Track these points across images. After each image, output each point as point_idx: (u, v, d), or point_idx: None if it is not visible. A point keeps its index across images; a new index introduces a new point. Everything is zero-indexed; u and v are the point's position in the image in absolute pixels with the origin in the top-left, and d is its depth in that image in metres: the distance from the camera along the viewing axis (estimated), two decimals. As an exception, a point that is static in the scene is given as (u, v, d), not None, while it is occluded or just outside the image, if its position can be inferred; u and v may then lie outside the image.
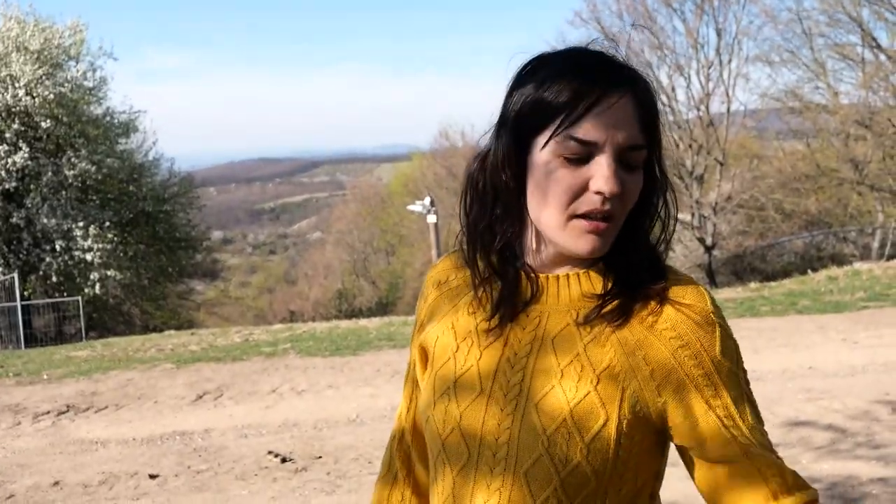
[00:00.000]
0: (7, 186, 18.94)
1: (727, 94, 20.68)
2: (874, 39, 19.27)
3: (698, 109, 20.80)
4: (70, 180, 19.25)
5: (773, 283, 12.34)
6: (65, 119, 19.51)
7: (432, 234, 19.98)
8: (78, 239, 18.93)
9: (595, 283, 1.07)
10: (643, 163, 1.04)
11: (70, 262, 19.10)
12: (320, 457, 5.48)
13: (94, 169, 19.45)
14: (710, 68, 20.51)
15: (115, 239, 20.19)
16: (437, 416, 1.10)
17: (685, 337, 1.01)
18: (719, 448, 1.01)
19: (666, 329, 1.02)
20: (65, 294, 18.94)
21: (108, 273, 19.26)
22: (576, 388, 1.02)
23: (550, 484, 1.01)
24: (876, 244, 21.68)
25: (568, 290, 1.08)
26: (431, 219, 19.80)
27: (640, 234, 1.07)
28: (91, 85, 20.60)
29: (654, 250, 1.08)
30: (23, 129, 18.96)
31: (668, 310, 1.03)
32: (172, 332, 13.38)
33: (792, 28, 20.05)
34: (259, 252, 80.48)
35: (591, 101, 0.99)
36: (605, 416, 1.01)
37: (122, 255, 20.59)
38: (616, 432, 1.01)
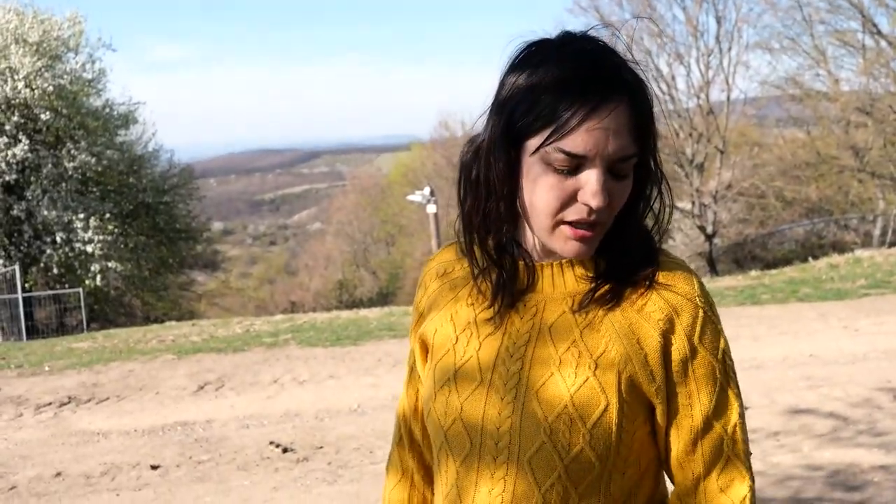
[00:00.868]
0: (7, 179, 18.94)
1: (727, 82, 20.64)
2: (875, 25, 19.20)
3: (698, 98, 20.75)
4: (70, 172, 19.24)
5: (773, 271, 12.33)
6: (64, 111, 19.48)
7: (432, 223, 19.97)
8: (78, 231, 18.94)
9: (588, 268, 1.08)
10: (634, 171, 1.04)
11: (71, 254, 19.11)
12: (322, 447, 5.48)
13: (93, 161, 19.45)
14: (709, 56, 20.46)
15: (116, 230, 20.20)
16: (438, 407, 1.10)
17: (670, 318, 1.04)
18: (681, 439, 1.06)
19: (654, 312, 1.04)
20: (66, 286, 18.96)
21: (109, 264, 19.27)
22: (574, 374, 1.03)
23: (554, 471, 1.02)
24: (877, 231, 21.66)
25: (563, 278, 1.09)
26: (431, 209, 19.80)
27: (632, 222, 1.08)
28: (90, 77, 20.57)
29: (647, 236, 1.09)
30: (22, 121, 18.94)
31: (656, 293, 1.05)
32: (173, 323, 13.39)
33: (792, 15, 20.00)
34: (259, 243, 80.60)
35: (584, 113, 0.97)
36: (605, 402, 1.02)
37: (122, 246, 20.61)
38: (617, 417, 1.02)
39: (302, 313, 15.40)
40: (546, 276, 1.10)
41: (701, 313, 1.04)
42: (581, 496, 1.03)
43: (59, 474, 5.31)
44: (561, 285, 1.09)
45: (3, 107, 18.59)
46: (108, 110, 21.40)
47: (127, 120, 22.05)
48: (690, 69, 20.60)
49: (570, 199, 1.00)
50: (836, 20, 19.69)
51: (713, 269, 19.94)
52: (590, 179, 0.99)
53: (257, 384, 7.30)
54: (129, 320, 20.41)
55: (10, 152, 18.46)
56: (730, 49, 20.45)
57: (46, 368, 8.53)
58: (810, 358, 6.75)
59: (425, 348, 1.20)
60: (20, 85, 18.43)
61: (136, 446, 5.78)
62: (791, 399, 5.68)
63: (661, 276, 1.06)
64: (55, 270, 19.24)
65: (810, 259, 13.31)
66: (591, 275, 1.08)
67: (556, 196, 1.00)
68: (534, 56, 1.02)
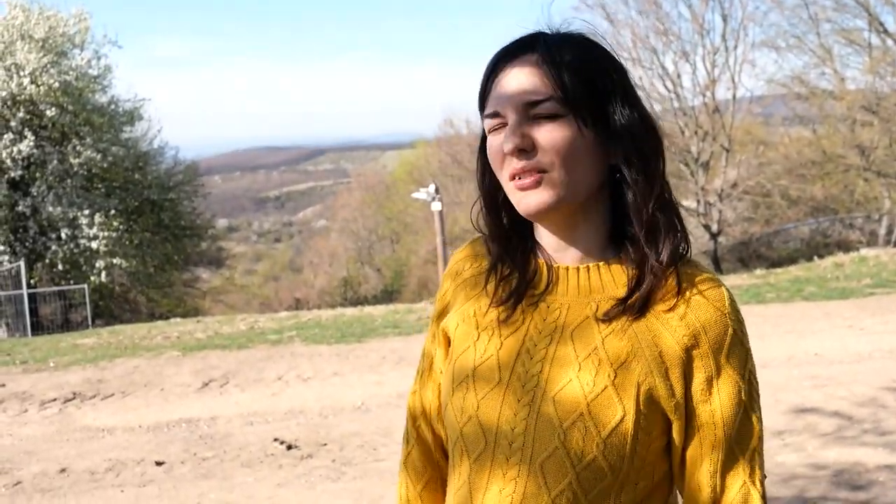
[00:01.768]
0: (13, 175, 18.97)
1: (733, 80, 20.58)
2: (881, 24, 19.13)
3: (704, 96, 20.70)
4: (75, 168, 19.28)
5: (778, 270, 12.31)
6: (70, 107, 19.51)
7: (437, 221, 19.96)
8: (83, 227, 18.96)
9: (616, 275, 1.08)
10: (571, 111, 1.02)
11: (76, 250, 19.14)
12: (326, 444, 5.49)
13: (99, 157, 19.47)
14: (715, 54, 20.39)
15: (121, 227, 20.23)
16: (455, 404, 1.10)
17: (696, 334, 1.02)
18: (698, 459, 1.05)
19: (679, 325, 1.03)
20: (71, 282, 18.99)
21: (114, 261, 19.30)
22: (593, 381, 1.02)
23: (566, 477, 1.01)
24: (882, 230, 21.59)
25: (588, 282, 1.08)
26: (436, 206, 19.79)
27: (637, 215, 1.05)
28: (96, 73, 20.59)
29: (666, 234, 1.06)
30: (28, 117, 18.97)
31: (684, 305, 1.04)
32: (178, 319, 13.41)
33: (798, 13, 19.94)
34: (264, 240, 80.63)
35: (494, 77, 1.06)
36: (622, 412, 1.01)
37: (127, 243, 20.63)
38: (633, 427, 1.01)
39: (307, 310, 15.42)
40: (571, 280, 1.09)
41: (730, 331, 1.04)
42: None
43: (63, 470, 5.32)
44: (586, 289, 1.08)
45: (8, 103, 18.62)
46: (113, 107, 21.42)
47: (132, 116, 22.08)
48: (696, 67, 20.57)
49: (504, 155, 1.04)
50: (843, 18, 19.67)
51: (718, 268, 19.92)
52: (505, 129, 1.04)
53: (262, 381, 7.31)
54: (133, 317, 20.47)
55: (15, 148, 18.49)
56: (736, 47, 20.43)
57: (51, 364, 8.55)
58: (815, 357, 6.74)
59: (447, 341, 1.19)
60: (26, 81, 18.46)
61: (140, 443, 5.80)
62: (796, 398, 5.67)
63: (690, 287, 1.05)
64: (60, 267, 19.27)
65: (815, 258, 13.27)
66: (618, 282, 1.07)
67: (493, 157, 1.06)
68: None
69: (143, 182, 21.81)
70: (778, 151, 22.92)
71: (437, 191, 19.94)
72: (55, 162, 19.10)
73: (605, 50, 1.07)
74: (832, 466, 4.43)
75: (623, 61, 1.10)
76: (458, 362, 1.12)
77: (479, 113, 1.09)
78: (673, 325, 1.03)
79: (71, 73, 19.46)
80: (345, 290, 34.86)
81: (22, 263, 17.31)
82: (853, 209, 23.25)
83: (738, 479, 1.03)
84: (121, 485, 5.00)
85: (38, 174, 19.23)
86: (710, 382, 1.02)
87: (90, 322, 17.05)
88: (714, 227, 20.82)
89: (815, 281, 10.10)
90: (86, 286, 18.05)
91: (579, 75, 1.03)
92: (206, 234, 25.09)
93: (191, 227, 23.53)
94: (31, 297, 16.83)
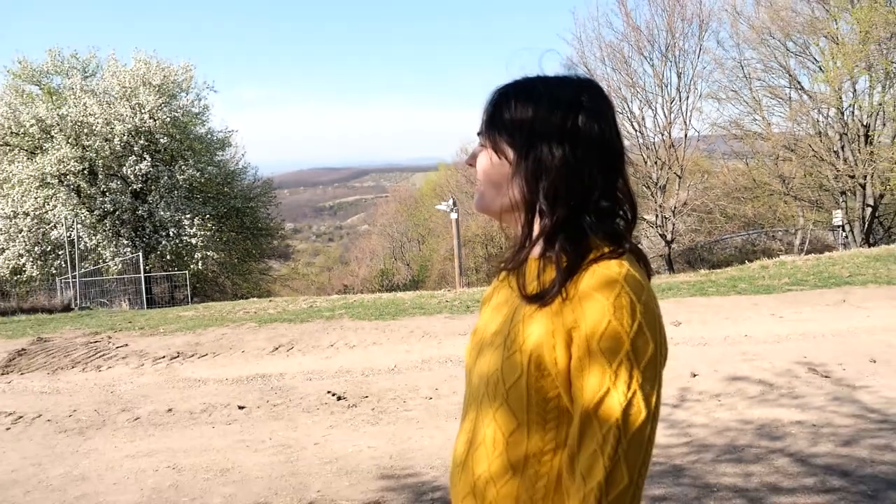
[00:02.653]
0: (135, 187, 19.18)
1: (685, 123, 20.40)
2: (799, 83, 19.05)
3: (662, 135, 20.55)
4: (180, 183, 19.45)
5: (718, 270, 12.20)
6: (177, 137, 19.70)
7: (454, 227, 19.95)
8: (186, 227, 19.13)
9: (542, 270, 0.98)
10: (496, 145, 1.02)
11: (180, 245, 19.32)
12: (367, 396, 5.50)
13: (198, 174, 19.63)
14: (671, 103, 20.24)
15: (213, 228, 20.39)
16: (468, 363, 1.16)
17: (578, 314, 0.92)
18: (572, 420, 0.93)
19: (569, 302, 0.93)
20: (176, 269, 19.18)
21: (208, 253, 19.45)
22: (511, 346, 0.98)
23: (488, 416, 1.00)
24: (797, 241, 21.44)
25: (533, 273, 1.01)
26: (454, 216, 19.77)
27: (541, 227, 0.99)
28: (197, 111, 20.79)
29: (567, 243, 0.96)
30: (147, 144, 19.17)
31: (584, 277, 0.93)
32: (255, 299, 13.48)
33: (735, 73, 19.79)
34: (320, 239, 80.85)
35: None
36: (520, 371, 0.95)
37: (218, 240, 20.80)
38: (527, 385, 0.95)
39: (352, 294, 15.45)
40: (531, 268, 1.01)
41: (614, 299, 0.90)
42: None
43: (170, 410, 5.38)
44: (531, 276, 1.00)
45: (133, 133, 18.82)
46: (209, 136, 21.63)
47: (223, 144, 22.27)
48: (657, 112, 20.41)
49: None
50: (770, 77, 19.55)
51: (671, 268, 19.76)
52: None
53: (318, 347, 7.33)
54: (222, 296, 20.61)
55: (137, 167, 18.70)
56: (687, 98, 20.26)
57: (161, 330, 8.64)
58: (745, 337, 6.69)
59: None
60: (146, 117, 18.66)
61: (226, 391, 5.85)
62: (730, 369, 5.64)
63: (595, 264, 0.93)
64: (168, 257, 19.46)
65: (746, 262, 13.14)
66: (540, 273, 0.99)
67: None
68: None
69: (231, 194, 21.96)
70: (718, 179, 22.75)
71: (454, 204, 19.92)
72: (166, 178, 19.28)
73: (548, 110, 0.98)
74: (756, 422, 4.40)
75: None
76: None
77: None
78: (572, 297, 0.93)
79: (179, 110, 19.64)
80: (382, 279, 34.88)
81: (140, 254, 17.50)
82: (775, 224, 23.02)
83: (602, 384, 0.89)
84: (212, 422, 5.05)
85: (153, 187, 19.42)
86: (588, 343, 0.90)
87: (190, 299, 17.22)
88: (668, 237, 20.64)
89: (746, 279, 10.01)
90: (187, 272, 18.21)
91: (499, 122, 1.01)
92: (276, 234, 25.22)
93: (265, 229, 23.67)
94: (147, 280, 17.02)
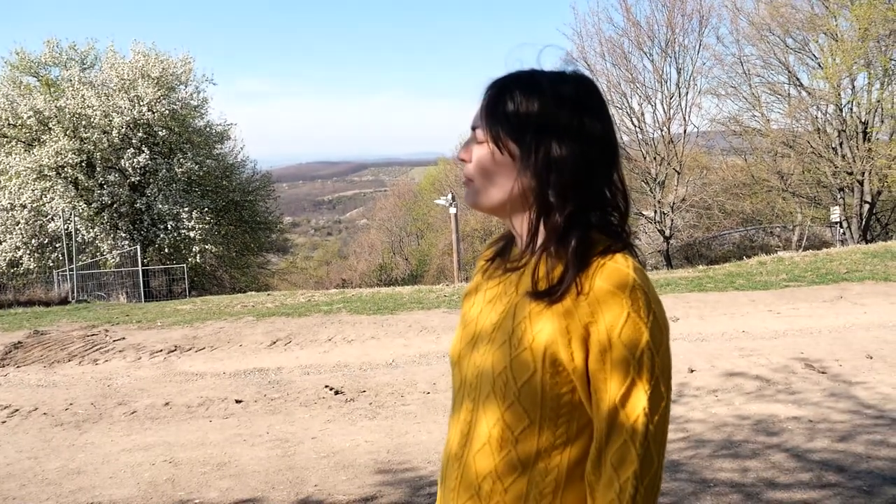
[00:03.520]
0: (133, 180, 19.13)
1: (684, 119, 20.37)
2: (797, 79, 19.01)
3: (661, 130, 20.51)
4: (179, 176, 19.40)
5: (716, 266, 12.20)
6: (176, 129, 19.64)
7: (453, 222, 19.95)
8: (184, 220, 19.09)
9: (552, 266, 0.97)
10: (497, 139, 0.99)
11: (178, 238, 19.29)
12: (364, 391, 5.49)
13: (196, 168, 19.60)
14: (671, 99, 20.20)
15: (212, 221, 20.35)
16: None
17: (595, 310, 0.91)
18: (595, 415, 0.93)
19: (584, 298, 0.92)
20: (174, 262, 19.16)
21: (206, 247, 19.42)
22: (519, 344, 0.96)
23: (496, 414, 0.98)
24: (795, 238, 21.44)
25: (534, 269, 1.00)
26: (452, 210, 19.76)
27: (545, 224, 0.98)
28: (196, 103, 20.69)
29: (571, 240, 0.95)
30: (145, 136, 19.11)
31: (595, 273, 0.93)
32: (253, 293, 13.47)
33: (735, 69, 19.76)
34: (319, 233, 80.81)
35: None
36: (533, 369, 0.94)
37: (216, 233, 20.75)
38: (541, 383, 0.94)
39: (351, 288, 15.45)
40: (528, 265, 1.01)
41: (628, 305, 0.91)
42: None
43: (167, 403, 5.37)
44: (530, 272, 1.00)
45: (131, 126, 18.76)
46: (208, 129, 21.54)
47: (222, 137, 22.20)
48: (656, 108, 20.38)
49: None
50: (769, 74, 19.53)
51: (669, 264, 19.77)
52: None
53: (316, 341, 7.32)
54: (220, 290, 20.58)
55: (135, 160, 18.65)
56: (687, 93, 20.22)
57: (159, 324, 8.62)
58: (743, 333, 6.69)
59: None
60: (144, 109, 18.59)
61: (224, 385, 5.84)
62: (727, 364, 5.64)
63: (601, 267, 0.93)
64: (166, 250, 19.42)
65: (744, 258, 13.14)
66: (551, 271, 0.97)
67: None
68: None
69: (229, 187, 21.91)
70: (717, 175, 22.75)
71: (453, 199, 19.90)
72: (164, 171, 19.23)
73: (553, 105, 0.97)
74: (753, 417, 4.40)
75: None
76: None
77: None
78: (580, 300, 0.93)
79: (177, 103, 19.58)
80: (380, 274, 34.88)
81: (138, 247, 17.47)
82: (773, 221, 23.04)
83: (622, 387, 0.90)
84: (209, 416, 5.05)
85: (151, 180, 19.37)
86: (603, 353, 0.91)
87: (188, 293, 17.20)
88: (667, 232, 20.64)
89: (743, 275, 10.01)
90: (185, 266, 18.19)
91: (502, 115, 0.99)
92: (275, 228, 25.17)
93: (264, 223, 23.62)
94: (144, 273, 16.98)
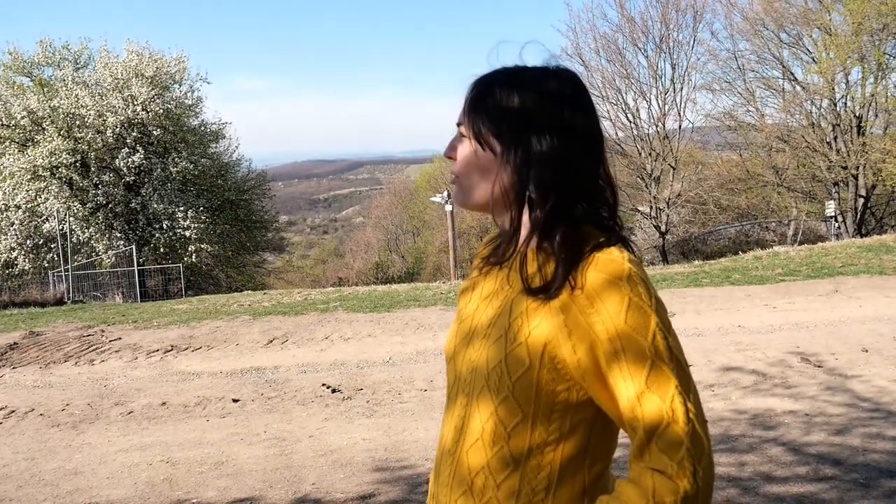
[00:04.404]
0: (127, 179, 19.06)
1: (679, 114, 20.41)
2: (792, 74, 19.04)
3: (657, 126, 20.53)
4: (174, 175, 19.33)
5: (712, 261, 12.22)
6: (170, 128, 19.56)
7: (449, 219, 19.93)
8: (179, 220, 19.04)
9: (544, 261, 0.96)
10: (479, 135, 0.98)
11: (173, 238, 19.24)
12: (362, 389, 5.50)
13: (192, 167, 19.52)
14: (666, 94, 20.22)
15: (207, 220, 20.30)
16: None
17: (594, 301, 0.89)
18: (621, 407, 0.89)
19: (579, 292, 0.90)
20: (170, 262, 19.11)
21: (202, 246, 19.38)
22: (514, 340, 0.95)
23: (489, 408, 0.97)
24: (790, 232, 21.51)
25: (518, 266, 0.99)
26: (448, 208, 19.74)
27: (532, 220, 0.96)
28: (190, 102, 20.62)
29: (558, 235, 0.94)
30: (139, 136, 19.04)
31: (590, 267, 0.91)
32: (249, 292, 13.46)
33: (729, 64, 19.77)
34: (315, 232, 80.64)
35: None
36: (528, 364, 0.93)
37: (212, 232, 20.70)
38: (537, 378, 0.93)
39: (347, 286, 15.44)
40: (516, 260, 1.00)
41: (626, 294, 0.89)
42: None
43: (164, 403, 5.36)
44: (525, 270, 0.98)
45: (126, 125, 18.68)
46: (203, 128, 21.46)
47: (217, 136, 22.12)
48: (651, 104, 20.39)
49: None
50: (763, 69, 19.55)
51: (665, 259, 19.80)
52: None
53: (313, 340, 7.32)
54: (216, 289, 20.56)
55: (130, 160, 18.57)
56: (682, 89, 20.24)
57: (155, 324, 8.61)
58: (739, 328, 6.71)
59: None
60: (138, 108, 18.52)
61: (221, 384, 5.83)
62: (723, 359, 5.65)
63: (593, 261, 0.91)
64: (161, 250, 19.37)
65: (740, 252, 13.17)
66: (544, 267, 0.96)
67: None
68: None
69: (225, 186, 21.85)
70: (712, 170, 22.79)
71: (449, 196, 19.87)
72: (159, 170, 19.16)
73: (535, 100, 0.96)
74: (750, 411, 4.42)
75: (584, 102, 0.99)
76: None
77: None
78: (575, 294, 0.91)
79: (172, 102, 19.50)
80: (377, 271, 34.88)
81: (133, 247, 17.42)
82: (769, 216, 23.09)
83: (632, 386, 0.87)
84: (206, 416, 5.04)
85: (146, 179, 19.30)
86: (612, 342, 0.88)
87: (184, 292, 17.16)
88: (663, 228, 20.67)
89: (739, 270, 10.03)
90: (181, 265, 18.14)
91: (483, 111, 0.98)
92: (271, 226, 25.12)
93: (260, 221, 23.57)
94: (140, 273, 16.94)
